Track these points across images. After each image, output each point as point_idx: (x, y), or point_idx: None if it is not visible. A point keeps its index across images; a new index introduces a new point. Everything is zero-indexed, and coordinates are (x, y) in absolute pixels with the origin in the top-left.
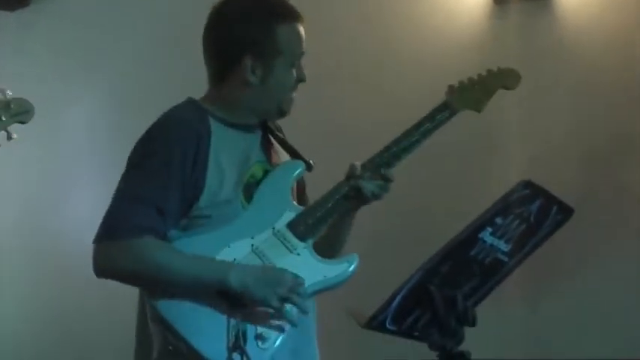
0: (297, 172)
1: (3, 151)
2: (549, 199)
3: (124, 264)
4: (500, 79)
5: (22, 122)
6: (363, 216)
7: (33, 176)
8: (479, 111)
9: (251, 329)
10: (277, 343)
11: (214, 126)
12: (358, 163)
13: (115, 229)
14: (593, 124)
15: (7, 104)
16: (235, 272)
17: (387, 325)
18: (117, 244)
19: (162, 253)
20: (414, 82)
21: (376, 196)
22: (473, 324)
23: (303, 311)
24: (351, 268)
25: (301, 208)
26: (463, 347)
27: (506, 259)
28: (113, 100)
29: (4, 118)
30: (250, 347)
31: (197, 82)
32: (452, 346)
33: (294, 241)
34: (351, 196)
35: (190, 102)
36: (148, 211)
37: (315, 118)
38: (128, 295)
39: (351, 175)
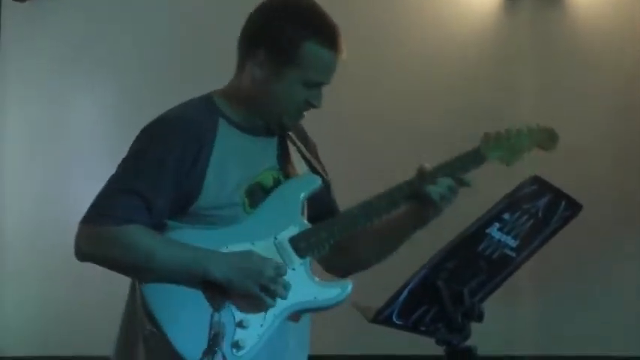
0: (312, 188)
1: (10, 144)
2: (557, 195)
3: (107, 249)
4: (537, 138)
5: None
6: None
7: (40, 170)
8: (508, 165)
9: (229, 335)
10: (252, 353)
11: (222, 126)
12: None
13: (102, 214)
14: (604, 123)
15: None
16: (217, 262)
17: (394, 320)
18: (101, 229)
19: (145, 240)
20: (427, 79)
21: (446, 198)
22: (480, 319)
23: (284, 298)
24: (343, 295)
25: (308, 225)
26: (470, 342)
27: (514, 254)
28: (123, 94)
29: None
30: (225, 353)
31: (208, 79)
32: (458, 342)
33: (293, 255)
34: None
35: (205, 98)
36: (136, 203)
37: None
38: None
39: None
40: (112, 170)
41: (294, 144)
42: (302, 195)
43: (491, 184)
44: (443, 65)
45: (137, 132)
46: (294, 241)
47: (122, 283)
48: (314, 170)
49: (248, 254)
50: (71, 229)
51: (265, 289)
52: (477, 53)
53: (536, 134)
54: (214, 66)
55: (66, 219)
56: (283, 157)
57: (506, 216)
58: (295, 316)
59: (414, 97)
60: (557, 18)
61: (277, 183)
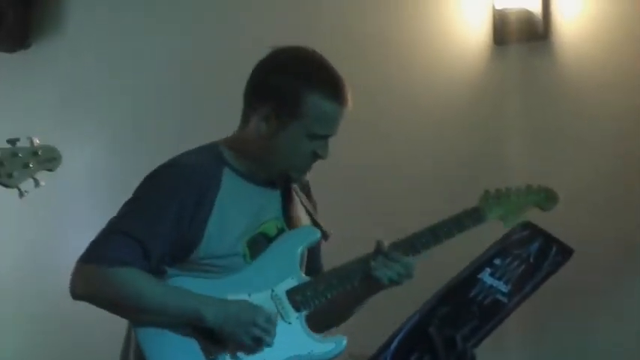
0: (311, 240)
1: (2, 191)
2: (549, 240)
3: (100, 288)
4: (536, 199)
5: (50, 170)
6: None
7: (32, 217)
8: (506, 225)
9: None
10: None
11: (227, 176)
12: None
13: (100, 254)
14: (594, 169)
15: (35, 152)
16: (211, 308)
17: None
18: (98, 269)
19: (141, 282)
20: (414, 124)
21: (395, 282)
22: None
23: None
24: (337, 350)
25: (306, 278)
26: None
27: (505, 299)
28: (114, 143)
29: (32, 166)
30: None
31: (201, 126)
32: None
33: (289, 309)
34: (361, 276)
35: (211, 147)
36: (133, 246)
37: None
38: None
39: (365, 263)
40: (102, 218)
41: (297, 195)
42: (301, 247)
43: (486, 231)
44: (431, 111)
45: (128, 181)
46: (291, 294)
47: (115, 328)
48: (315, 222)
49: (241, 302)
50: (62, 277)
51: (255, 339)
52: (467, 99)
53: (536, 194)
54: (208, 122)
55: (57, 267)
56: (287, 208)
57: (497, 261)
58: None
59: (401, 144)
60: (546, 64)
61: (280, 233)
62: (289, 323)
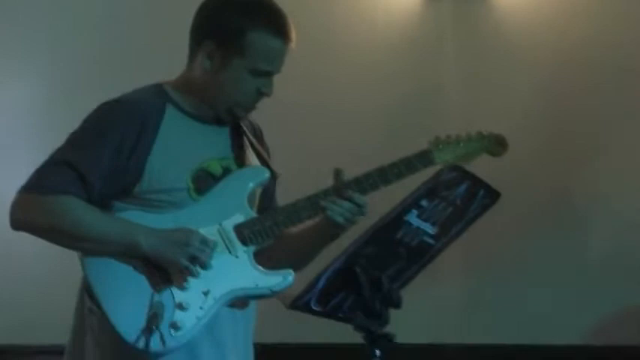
0: (260, 180)
1: None
2: (476, 183)
3: (41, 217)
4: (486, 144)
5: None
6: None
7: None
8: None
9: (168, 316)
10: (191, 333)
11: (170, 112)
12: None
13: (39, 183)
14: (523, 117)
15: None
16: (145, 235)
17: (312, 306)
18: (37, 197)
19: (80, 210)
20: (355, 67)
21: (349, 220)
22: (398, 306)
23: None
24: (284, 284)
25: (254, 214)
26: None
27: (432, 241)
28: (54, 78)
29: None
30: (159, 334)
31: (142, 65)
32: (376, 328)
33: (236, 243)
34: (310, 213)
35: (154, 85)
36: (71, 175)
37: None
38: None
39: (314, 199)
40: (39, 155)
41: (246, 135)
42: (250, 185)
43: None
44: (367, 60)
45: (67, 118)
46: (238, 228)
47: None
48: (264, 163)
49: (177, 229)
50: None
51: (191, 259)
52: (400, 48)
53: (486, 140)
54: (151, 60)
55: None
56: (236, 148)
57: (424, 203)
58: (241, 303)
59: (338, 90)
60: (479, 13)
61: (227, 172)
62: (236, 257)
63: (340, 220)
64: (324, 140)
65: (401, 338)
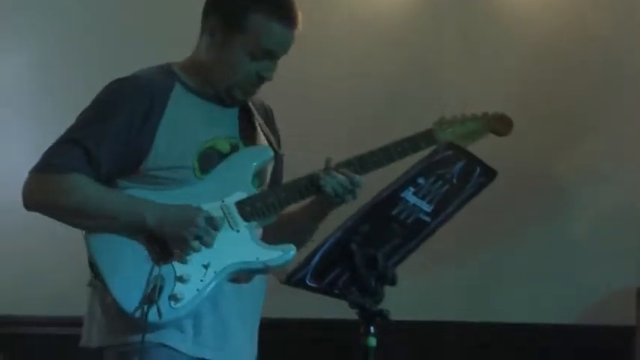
0: (264, 159)
1: None
2: (472, 161)
3: (48, 196)
4: (492, 124)
5: None
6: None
7: None
8: None
9: (168, 288)
10: (191, 305)
11: (178, 90)
12: (331, 159)
13: (45, 163)
14: (521, 86)
15: None
16: (152, 212)
17: (307, 282)
18: (45, 177)
19: (88, 187)
20: (353, 44)
21: (338, 195)
22: (393, 283)
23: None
24: (285, 258)
25: (256, 192)
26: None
27: (428, 219)
28: (45, 56)
29: None
30: (162, 304)
31: (136, 47)
32: (371, 305)
33: (238, 218)
34: (309, 190)
35: (162, 65)
36: (78, 152)
37: None
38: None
39: (315, 175)
40: (30, 132)
41: (254, 116)
42: (254, 164)
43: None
44: (368, 30)
45: (58, 96)
46: (240, 204)
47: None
48: (269, 143)
49: (184, 206)
50: None
51: (196, 237)
52: (397, 27)
53: (491, 120)
54: (147, 32)
55: None
56: (244, 128)
57: (420, 180)
58: (245, 276)
59: (350, 59)
60: None
61: (235, 150)
62: (237, 231)
63: (329, 190)
64: (320, 124)
65: (397, 315)
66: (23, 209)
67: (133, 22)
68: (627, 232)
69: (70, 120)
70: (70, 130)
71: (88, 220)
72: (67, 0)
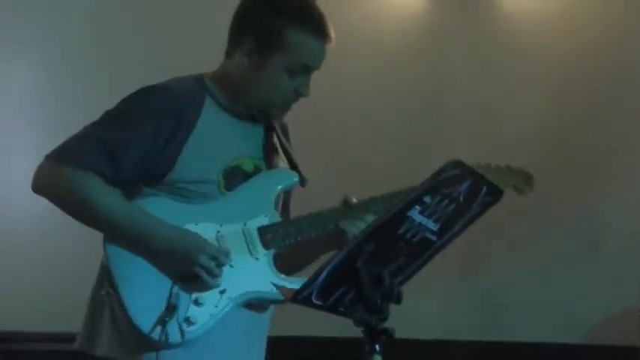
0: (289, 183)
1: None
2: (478, 180)
3: (59, 188)
4: (514, 179)
5: None
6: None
7: None
8: None
9: (182, 310)
10: (202, 330)
11: (209, 105)
12: (354, 200)
13: (67, 153)
14: (534, 113)
15: None
16: (158, 240)
17: (314, 300)
18: (62, 168)
19: (92, 191)
20: (362, 68)
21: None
22: (398, 301)
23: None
24: None
25: (278, 218)
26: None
27: (434, 238)
28: (64, 62)
29: None
30: (173, 326)
31: (138, 53)
32: (377, 323)
33: (258, 245)
34: (329, 227)
35: (196, 76)
36: (99, 152)
37: None
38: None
39: (341, 213)
40: (42, 138)
41: (278, 137)
42: (279, 188)
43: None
44: (376, 48)
45: (75, 102)
46: (262, 231)
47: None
48: (293, 166)
49: (190, 242)
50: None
51: (206, 271)
52: (408, 45)
53: (514, 174)
54: (149, 37)
55: None
56: (268, 148)
57: (427, 199)
58: (261, 307)
59: (346, 78)
60: (489, 6)
61: (258, 171)
62: (257, 259)
63: (350, 236)
64: (333, 139)
65: (404, 333)
66: (22, 222)
67: (135, 27)
68: (631, 253)
69: (72, 125)
70: (96, 127)
71: (85, 222)
72: (69, 7)
